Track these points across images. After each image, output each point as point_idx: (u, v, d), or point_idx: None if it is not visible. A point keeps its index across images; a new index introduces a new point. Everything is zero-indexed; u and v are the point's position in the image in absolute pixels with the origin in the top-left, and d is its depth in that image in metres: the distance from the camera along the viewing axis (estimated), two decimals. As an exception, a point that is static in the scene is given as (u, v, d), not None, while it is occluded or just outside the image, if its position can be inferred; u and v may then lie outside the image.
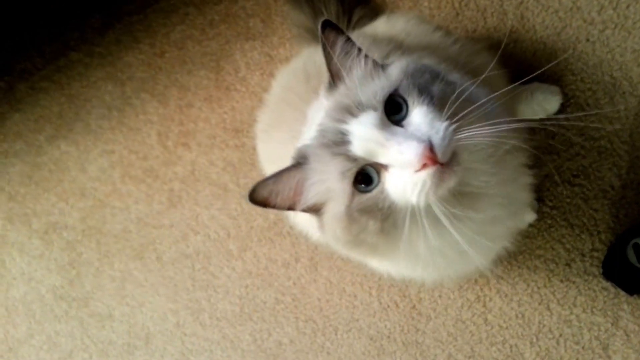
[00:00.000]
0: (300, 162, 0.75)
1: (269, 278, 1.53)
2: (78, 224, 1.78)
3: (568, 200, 1.28)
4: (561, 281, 1.26)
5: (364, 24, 1.29)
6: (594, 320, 1.23)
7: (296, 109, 0.97)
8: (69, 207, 1.80)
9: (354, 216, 0.72)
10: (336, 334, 1.45)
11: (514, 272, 1.29)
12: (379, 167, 0.70)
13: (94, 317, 1.70)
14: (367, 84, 0.74)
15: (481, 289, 1.31)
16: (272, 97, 1.12)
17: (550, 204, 1.29)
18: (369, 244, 0.75)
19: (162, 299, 1.64)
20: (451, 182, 0.68)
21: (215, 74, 1.69)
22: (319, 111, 0.78)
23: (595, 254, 1.25)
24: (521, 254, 1.29)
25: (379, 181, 0.71)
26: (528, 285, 1.28)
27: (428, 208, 0.69)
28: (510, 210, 0.85)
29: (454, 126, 0.68)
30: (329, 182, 0.73)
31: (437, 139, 0.67)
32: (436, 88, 0.73)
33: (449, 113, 0.70)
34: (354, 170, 0.70)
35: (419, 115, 0.70)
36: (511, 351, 1.28)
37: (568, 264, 1.26)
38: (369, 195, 0.71)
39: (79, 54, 1.88)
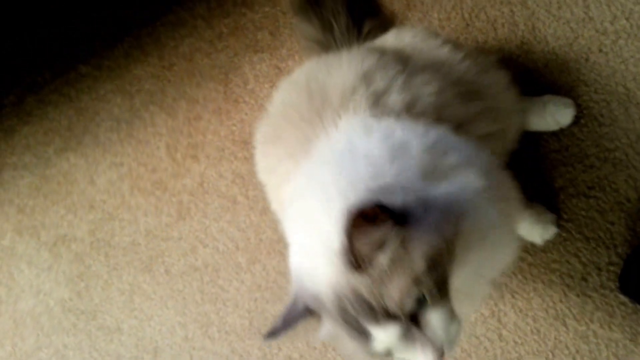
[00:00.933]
0: (311, 311, 0.77)
1: (279, 291, 1.48)
2: (87, 237, 1.75)
3: (583, 213, 1.23)
4: (577, 296, 1.20)
5: (374, 36, 1.24)
6: (611, 336, 1.18)
7: (295, 127, 0.93)
8: (78, 219, 1.77)
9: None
10: (347, 349, 1.39)
11: (529, 287, 1.23)
12: None
13: (102, 330, 1.66)
14: (392, 278, 0.71)
15: (495, 304, 1.25)
16: (272, 109, 1.07)
17: (566, 216, 1.24)
18: None
19: (171, 312, 1.59)
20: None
21: (223, 87, 1.65)
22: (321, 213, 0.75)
23: (612, 267, 1.20)
24: (536, 268, 1.23)
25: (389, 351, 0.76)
26: (543, 300, 1.22)
27: None
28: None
29: (462, 324, 0.74)
30: (343, 345, 0.78)
31: (449, 345, 0.72)
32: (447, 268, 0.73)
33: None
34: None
35: (436, 319, 0.72)
36: (527, 368, 1.23)
37: (584, 278, 1.21)
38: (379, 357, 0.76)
39: (88, 67, 1.85)
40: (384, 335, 0.72)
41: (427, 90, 0.90)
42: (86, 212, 1.77)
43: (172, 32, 1.74)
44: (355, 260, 0.70)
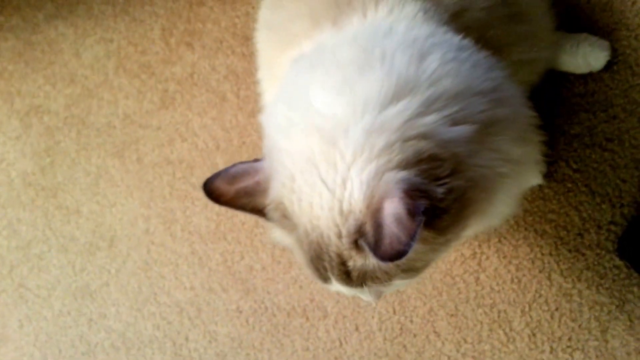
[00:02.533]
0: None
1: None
2: (61, 111, 1.70)
3: (595, 165, 1.17)
4: (569, 251, 1.15)
5: None
6: (597, 299, 1.13)
7: None
8: (56, 91, 1.72)
9: None
10: (313, 270, 1.35)
11: (519, 234, 1.18)
12: None
13: (61, 209, 1.62)
14: (385, 267, 0.70)
15: (479, 246, 1.21)
16: None
17: (575, 166, 1.18)
18: None
19: (135, 203, 1.55)
20: None
21: (234, -28, 1.57)
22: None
23: (613, 227, 1.14)
24: (531, 216, 1.18)
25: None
26: (532, 249, 1.18)
27: None
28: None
29: None
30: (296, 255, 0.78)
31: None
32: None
33: None
34: None
35: (398, 285, 0.76)
36: (498, 316, 1.18)
37: (580, 234, 1.16)
38: None
39: None
40: (345, 290, 0.73)
41: (479, 3, 0.84)
42: (65, 85, 1.71)
43: None
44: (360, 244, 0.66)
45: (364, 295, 0.75)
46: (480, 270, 1.20)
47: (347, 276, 0.69)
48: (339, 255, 0.68)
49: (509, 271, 1.18)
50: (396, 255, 0.58)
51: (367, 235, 0.63)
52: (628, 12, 1.21)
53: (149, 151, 1.57)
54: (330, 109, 0.68)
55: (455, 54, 0.73)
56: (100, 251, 1.56)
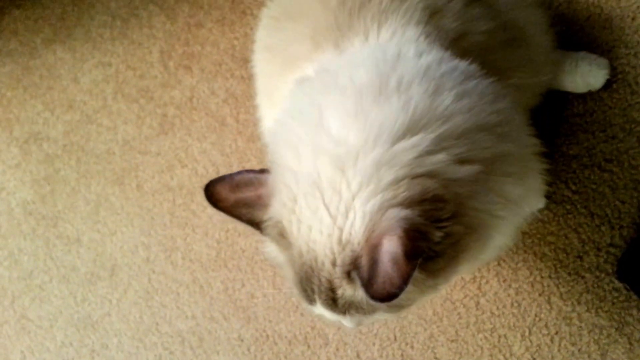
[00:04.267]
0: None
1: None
2: (61, 138, 1.83)
3: (594, 186, 1.27)
4: (569, 274, 1.26)
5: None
6: (597, 322, 1.23)
7: (328, 8, 0.92)
8: (55, 118, 1.85)
9: None
10: (314, 297, 1.47)
11: (519, 257, 1.29)
12: None
13: (62, 239, 1.76)
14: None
15: (479, 270, 1.31)
16: None
17: (574, 187, 1.28)
18: None
19: (136, 231, 1.68)
20: None
21: (232, -7, 1.71)
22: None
23: (613, 249, 1.24)
24: (530, 238, 1.29)
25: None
26: (531, 273, 1.28)
27: None
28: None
29: None
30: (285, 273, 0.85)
31: None
32: None
33: None
34: None
35: (381, 317, 0.85)
36: (499, 341, 1.29)
37: (580, 256, 1.26)
38: None
39: (90, -46, 1.91)
40: (328, 315, 0.79)
41: (479, 26, 0.91)
42: (64, 111, 1.85)
43: None
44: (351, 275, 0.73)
45: (345, 321, 0.82)
46: (480, 295, 1.31)
47: (333, 302, 0.76)
48: (329, 282, 0.75)
49: (508, 295, 1.29)
50: (387, 296, 0.65)
51: (361, 269, 0.68)
52: (627, 29, 1.31)
53: (149, 178, 1.71)
54: (343, 133, 0.73)
55: (465, 86, 0.79)
56: (101, 281, 1.69)
